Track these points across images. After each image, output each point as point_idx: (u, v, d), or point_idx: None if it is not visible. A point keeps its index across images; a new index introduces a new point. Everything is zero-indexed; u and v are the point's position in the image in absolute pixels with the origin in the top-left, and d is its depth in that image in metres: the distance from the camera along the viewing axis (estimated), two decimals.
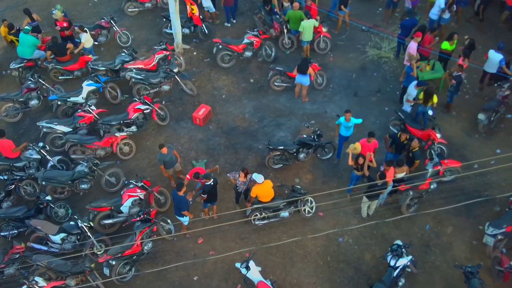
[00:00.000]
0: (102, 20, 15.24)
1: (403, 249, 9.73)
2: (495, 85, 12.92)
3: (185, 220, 10.72)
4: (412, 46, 12.92)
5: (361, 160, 10.89)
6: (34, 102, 13.37)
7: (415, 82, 12.25)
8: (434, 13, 14.47)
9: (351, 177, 11.32)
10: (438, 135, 11.52)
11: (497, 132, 12.68)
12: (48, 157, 11.80)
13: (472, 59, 13.02)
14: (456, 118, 13.11)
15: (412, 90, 12.21)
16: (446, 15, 14.30)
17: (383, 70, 14.60)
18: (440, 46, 13.27)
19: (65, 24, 14.58)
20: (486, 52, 13.11)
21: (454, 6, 14.28)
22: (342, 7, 15.31)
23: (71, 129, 12.44)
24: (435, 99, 11.93)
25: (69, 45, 14.21)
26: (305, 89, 13.68)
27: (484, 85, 13.53)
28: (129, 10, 16.51)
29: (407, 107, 12.60)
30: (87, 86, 13.12)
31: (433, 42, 13.35)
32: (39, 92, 13.36)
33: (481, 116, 12.29)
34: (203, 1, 15.66)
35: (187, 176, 11.31)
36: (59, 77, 14.21)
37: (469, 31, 14.93)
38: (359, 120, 11.67)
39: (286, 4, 15.33)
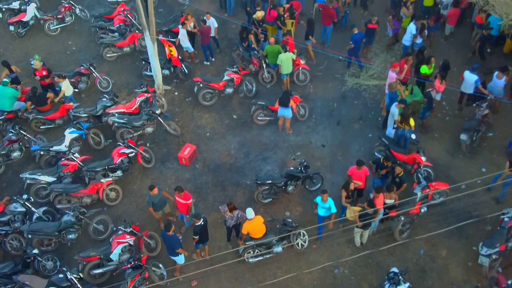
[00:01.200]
0: (81, 67, 15.25)
1: (400, 276, 9.65)
2: (474, 105, 13.18)
3: (180, 259, 10.52)
4: (391, 76, 13.15)
5: (352, 186, 10.90)
6: (16, 154, 13.17)
7: (396, 102, 12.45)
8: (406, 39, 14.85)
9: (342, 207, 11.30)
10: (423, 158, 11.65)
11: (480, 151, 12.87)
12: (33, 209, 11.56)
13: (449, 80, 13.30)
14: (438, 140, 13.28)
15: (395, 110, 12.41)
16: (418, 40, 14.68)
17: (363, 97, 14.81)
18: (419, 70, 13.55)
19: (44, 73, 14.54)
20: (461, 73, 13.42)
21: (426, 31, 14.67)
22: (310, 37, 15.60)
23: (55, 179, 12.25)
24: (411, 122, 12.11)
25: (49, 94, 14.14)
26: (288, 121, 13.77)
27: (462, 105, 13.80)
28: (107, 55, 16.56)
29: (391, 130, 12.75)
30: (70, 134, 13.01)
31: (409, 64, 13.57)
32: (20, 143, 13.19)
33: (463, 136, 12.47)
34: (182, 41, 15.79)
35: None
36: (41, 127, 14.06)
37: (442, 53, 15.31)
38: (334, 209, 10.92)
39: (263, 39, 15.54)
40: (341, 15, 16.80)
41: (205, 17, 15.82)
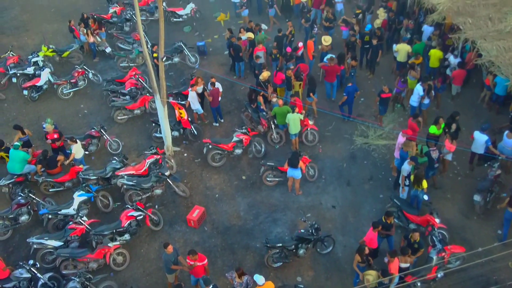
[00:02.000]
0: (92, 130, 15.44)
1: None
2: (485, 165, 13.05)
3: None
4: (400, 141, 13.14)
5: (366, 250, 10.60)
6: (24, 218, 13.05)
7: (408, 160, 12.37)
8: (414, 100, 14.96)
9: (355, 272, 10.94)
10: (437, 220, 11.38)
11: (494, 212, 12.57)
12: (38, 275, 11.29)
13: (459, 140, 13.25)
14: (451, 201, 13.05)
15: (406, 166, 12.29)
16: (426, 101, 14.79)
17: (372, 157, 14.75)
18: (428, 130, 13.56)
19: (55, 136, 14.70)
20: (471, 133, 13.40)
21: (433, 92, 14.81)
22: (311, 94, 15.85)
23: (62, 243, 12.05)
24: (424, 184, 11.96)
25: (60, 157, 14.24)
26: (297, 182, 13.67)
27: (474, 165, 13.67)
28: (118, 118, 16.82)
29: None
30: (79, 197, 12.94)
31: (420, 126, 13.60)
32: (29, 207, 13.11)
33: (476, 198, 12.26)
34: (191, 104, 16.05)
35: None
36: (50, 190, 14.05)
37: (449, 113, 15.32)
38: None
39: (274, 100, 15.73)
40: (347, 77, 17.07)
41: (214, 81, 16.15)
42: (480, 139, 12.84)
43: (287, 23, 18.95)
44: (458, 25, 15.00)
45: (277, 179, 14.16)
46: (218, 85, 16.27)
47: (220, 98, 16.51)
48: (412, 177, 12.07)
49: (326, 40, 17.63)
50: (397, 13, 18.99)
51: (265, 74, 16.11)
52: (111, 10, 22.17)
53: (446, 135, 13.04)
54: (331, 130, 16.00)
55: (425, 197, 12.00)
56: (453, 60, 15.82)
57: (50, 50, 19.23)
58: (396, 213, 12.21)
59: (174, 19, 22.25)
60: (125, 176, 13.63)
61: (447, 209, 12.75)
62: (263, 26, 19.24)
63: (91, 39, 19.71)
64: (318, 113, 16.12)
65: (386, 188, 13.67)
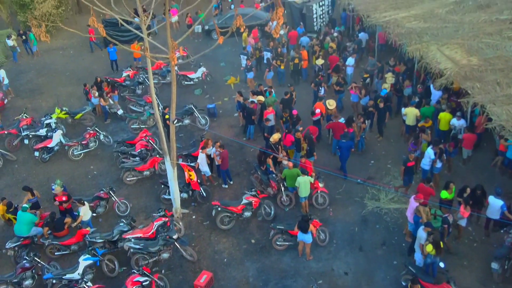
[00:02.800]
0: (101, 191, 15.40)
1: None
2: (501, 231, 12.70)
3: None
4: (413, 205, 12.93)
5: None
6: (28, 282, 12.71)
7: (422, 227, 12.05)
8: (425, 164, 14.85)
9: None
10: None
11: None
12: None
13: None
14: (468, 269, 12.58)
15: (422, 233, 11.94)
16: (438, 165, 14.67)
17: (385, 221, 14.45)
18: (440, 196, 13.35)
19: (64, 198, 14.66)
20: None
21: (444, 155, 14.72)
22: (314, 153, 16.09)
23: None
24: (429, 248, 11.59)
25: (67, 220, 14.11)
26: (308, 246, 13.32)
27: (489, 231, 13.31)
28: (127, 179, 16.81)
29: (419, 255, 12.17)
30: (84, 261, 12.67)
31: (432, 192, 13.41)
32: (33, 271, 12.83)
33: (494, 265, 11.82)
34: (200, 166, 16.04)
35: None
36: (55, 253, 13.81)
37: (461, 177, 15.22)
38: None
39: (284, 162, 15.71)
40: (357, 139, 17.08)
41: (220, 144, 16.21)
42: (495, 204, 12.57)
43: (289, 88, 19.26)
44: (467, 90, 15.12)
45: (287, 243, 13.83)
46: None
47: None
48: (430, 246, 11.65)
49: (331, 104, 17.85)
50: (404, 77, 19.36)
51: (275, 136, 16.20)
52: (125, 74, 22.82)
53: (461, 200, 12.78)
54: (341, 192, 15.81)
55: (441, 264, 11.59)
56: (457, 122, 15.83)
57: (63, 112, 19.63)
58: (412, 281, 11.75)
59: (186, 82, 22.77)
60: (132, 239, 13.40)
61: (464, 277, 12.26)
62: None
63: (103, 102, 20.12)
64: (328, 175, 16.00)
65: (400, 254, 13.25)
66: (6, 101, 21.90)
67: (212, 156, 16.26)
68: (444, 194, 13.20)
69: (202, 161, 16.00)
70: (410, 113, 16.74)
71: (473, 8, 20.04)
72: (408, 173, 14.74)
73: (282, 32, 23.51)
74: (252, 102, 18.40)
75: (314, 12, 25.12)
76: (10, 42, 25.75)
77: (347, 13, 25.89)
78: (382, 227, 14.30)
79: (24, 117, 19.53)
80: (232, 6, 29.94)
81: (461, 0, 20.81)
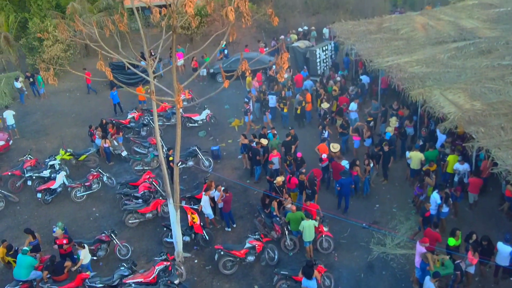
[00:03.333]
0: (103, 234, 15.20)
1: None
2: (511, 278, 12.37)
3: None
4: (419, 251, 12.69)
5: None
6: None
7: (429, 277, 11.73)
8: (432, 208, 14.64)
9: None
10: None
11: None
12: None
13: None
14: None
15: (430, 285, 11.60)
16: (445, 209, 14.47)
17: (391, 268, 14.11)
18: (447, 243, 13.10)
19: (64, 241, 14.46)
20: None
21: (450, 200, 14.55)
22: (316, 196, 16.05)
23: None
24: None
25: (67, 263, 13.85)
26: None
27: (498, 279, 12.95)
28: (129, 221, 16.62)
29: None
30: None
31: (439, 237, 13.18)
32: None
33: None
34: (203, 208, 15.90)
35: None
36: None
37: (467, 222, 14.99)
38: None
39: (288, 206, 15.55)
40: (362, 182, 16.97)
41: (223, 187, 16.11)
42: (504, 250, 12.28)
43: (289, 131, 19.33)
44: (471, 134, 15.12)
45: None
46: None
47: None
48: None
49: (335, 147, 17.85)
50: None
51: (279, 179, 16.11)
52: (130, 116, 23.02)
53: (470, 246, 12.52)
54: (346, 237, 15.54)
55: None
56: (460, 167, 15.73)
57: (67, 153, 19.68)
58: None
59: (190, 124, 22.92)
60: (133, 284, 13.11)
61: None
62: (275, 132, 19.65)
63: (106, 144, 20.19)
64: (333, 219, 15.79)
65: None
66: (11, 142, 22.01)
67: (216, 199, 16.14)
68: (452, 241, 12.95)
69: (205, 204, 15.87)
70: (415, 157, 16.69)
71: (474, 53, 20.38)
72: (426, 223, 14.35)
73: (286, 75, 23.85)
74: (257, 143, 18.42)
75: (318, 56, 25.57)
76: (18, 84, 26.18)
77: (349, 58, 26.33)
78: (388, 273, 13.96)
79: (28, 158, 19.57)
80: (226, 51, 30.39)
81: (462, 45, 21.20)
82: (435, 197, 14.41)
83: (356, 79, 24.31)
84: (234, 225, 16.45)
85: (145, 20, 33.57)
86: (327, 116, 20.61)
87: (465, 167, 15.64)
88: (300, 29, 31.60)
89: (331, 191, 17.49)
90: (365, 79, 23.53)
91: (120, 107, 24.87)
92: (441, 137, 17.35)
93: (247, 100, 22.21)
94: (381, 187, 17.65)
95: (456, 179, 15.78)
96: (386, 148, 17.16)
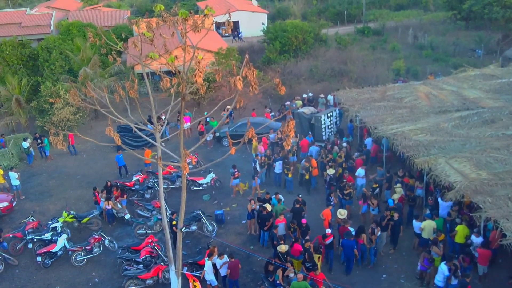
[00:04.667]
0: None
1: None
2: None
3: None
4: None
5: None
6: None
7: None
8: (439, 280, 14.23)
9: None
10: None
11: None
12: None
13: None
14: None
15: None
16: (454, 281, 14.01)
17: None
18: None
19: None
20: None
21: (459, 271, 14.14)
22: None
23: None
24: None
25: None
26: None
27: None
28: None
29: None
30: None
31: None
32: None
33: None
34: (206, 274, 15.50)
35: None
36: None
37: None
38: None
39: (291, 275, 15.16)
40: (368, 252, 16.61)
41: (225, 255, 15.82)
42: None
43: (297, 197, 19.16)
44: (478, 204, 14.96)
45: None
46: (224, 260, 15.82)
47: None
48: None
49: (342, 213, 17.63)
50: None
51: (283, 247, 15.83)
52: (134, 178, 23.03)
53: None
54: None
55: None
56: (475, 239, 15.44)
57: (70, 216, 19.52)
58: None
59: (194, 188, 22.85)
60: None
61: None
62: (281, 197, 19.51)
63: (109, 206, 20.06)
64: None
65: None
66: (15, 203, 21.92)
67: (218, 266, 15.78)
68: None
69: (208, 270, 15.49)
70: (428, 226, 16.34)
71: (478, 123, 20.58)
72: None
73: (292, 141, 24.04)
74: (264, 208, 18.25)
75: (323, 122, 25.91)
76: (26, 144, 26.47)
77: (353, 124, 26.65)
78: None
79: (30, 220, 19.41)
80: (224, 115, 30.65)
81: (466, 115, 21.45)
82: (443, 268, 14.04)
83: (361, 145, 24.45)
84: None
85: (154, 85, 34.44)
86: (333, 182, 20.54)
87: (479, 240, 15.30)
88: (304, 95, 32.25)
89: (337, 259, 17.09)
90: (368, 141, 23.63)
91: (126, 169, 24.95)
92: (443, 205, 17.17)
93: (255, 164, 22.29)
94: (388, 256, 17.25)
95: (474, 252, 15.40)
96: (396, 216, 16.93)
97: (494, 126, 20.06)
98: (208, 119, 28.62)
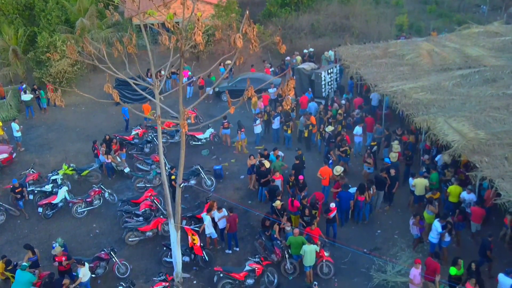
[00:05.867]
0: (102, 252, 15.13)
1: None
2: None
3: None
4: (414, 273, 12.63)
5: None
6: None
7: None
8: (433, 237, 14.54)
9: None
10: None
11: None
12: None
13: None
14: None
15: None
16: (447, 238, 14.36)
17: None
18: (449, 272, 12.98)
19: (64, 258, 14.38)
20: (492, 271, 12.80)
21: (453, 229, 14.45)
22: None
23: None
24: None
25: (65, 281, 13.77)
26: None
27: None
28: (129, 239, 16.55)
29: None
30: None
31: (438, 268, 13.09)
32: None
33: None
34: (206, 228, 15.83)
35: None
36: None
37: (469, 252, 14.86)
38: None
39: (288, 228, 15.52)
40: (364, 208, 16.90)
41: (224, 208, 16.14)
42: (505, 282, 12.17)
43: (297, 152, 19.33)
44: (475, 163, 15.09)
45: None
46: (222, 213, 16.17)
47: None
48: None
49: (338, 170, 17.77)
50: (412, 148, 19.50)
51: (278, 203, 16.06)
52: (134, 132, 23.07)
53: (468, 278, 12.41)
54: (347, 263, 15.43)
55: None
56: (467, 196, 15.65)
57: (70, 168, 19.69)
58: None
59: (193, 142, 22.92)
60: None
61: None
62: (280, 153, 19.63)
63: (109, 160, 20.21)
64: (333, 245, 15.68)
65: None
66: (15, 155, 22.04)
67: (216, 220, 16.09)
68: (453, 271, 12.84)
69: (208, 224, 15.82)
70: (420, 184, 16.63)
71: (479, 82, 20.46)
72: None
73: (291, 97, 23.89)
74: (260, 165, 18.40)
75: (323, 79, 25.68)
76: (27, 97, 26.31)
77: (354, 81, 26.46)
78: None
79: (31, 172, 19.59)
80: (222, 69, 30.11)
81: (467, 73, 21.28)
82: (436, 225, 14.33)
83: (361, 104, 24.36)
84: (237, 249, 16.30)
85: (152, 37, 33.86)
86: (332, 139, 20.61)
87: (471, 196, 15.54)
88: (305, 51, 31.80)
89: None
90: (374, 96, 23.52)
91: (127, 124, 24.82)
92: (440, 160, 17.42)
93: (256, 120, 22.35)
94: (383, 213, 17.57)
95: (467, 209, 15.65)
96: (392, 172, 17.12)
97: (495, 85, 19.94)
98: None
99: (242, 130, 21.90)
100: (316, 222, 15.76)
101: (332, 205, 15.84)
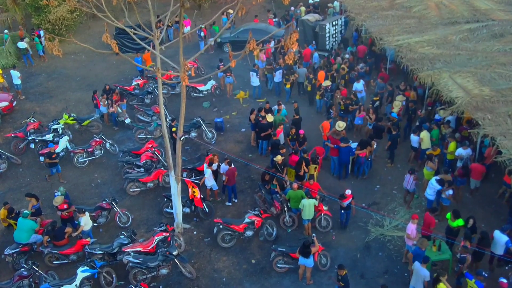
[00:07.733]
0: (104, 201, 15.31)
1: None
2: (506, 268, 12.47)
3: None
4: (411, 228, 12.81)
5: None
6: None
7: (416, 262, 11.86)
8: (430, 194, 14.60)
9: None
10: None
11: None
12: None
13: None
14: None
15: (426, 272, 11.70)
16: (450, 191, 14.34)
17: (388, 249, 14.25)
18: (447, 225, 13.17)
19: (65, 206, 14.58)
20: (489, 229, 12.95)
21: (453, 186, 14.50)
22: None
23: None
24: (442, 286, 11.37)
25: (68, 229, 14.02)
26: (309, 271, 13.14)
27: (494, 266, 13.06)
28: (131, 190, 16.72)
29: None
30: (82, 273, 12.55)
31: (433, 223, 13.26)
32: (31, 279, 12.71)
33: None
34: (206, 180, 15.95)
35: None
36: (54, 262, 13.70)
37: (468, 208, 15.02)
38: None
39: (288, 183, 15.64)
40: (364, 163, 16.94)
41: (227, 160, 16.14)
42: (500, 239, 12.34)
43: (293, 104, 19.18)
44: (477, 120, 14.97)
45: (287, 266, 13.66)
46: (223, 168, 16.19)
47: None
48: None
49: (340, 125, 17.65)
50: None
51: (279, 157, 16.10)
52: (134, 83, 22.81)
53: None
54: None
55: None
56: (463, 151, 15.60)
57: (71, 118, 19.62)
58: None
59: (194, 94, 22.71)
60: (132, 253, 13.29)
61: None
62: (282, 106, 19.47)
63: (112, 110, 20.11)
64: (332, 199, 15.85)
65: (402, 284, 13.03)
66: (15, 103, 21.90)
67: (222, 171, 16.17)
68: (456, 223, 12.99)
69: (209, 176, 15.92)
70: (426, 137, 16.65)
71: (487, 36, 19.96)
72: None
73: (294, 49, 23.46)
74: (262, 118, 18.29)
75: (327, 31, 25.11)
76: (24, 45, 25.84)
77: (359, 34, 25.87)
78: (384, 255, 14.11)
79: (31, 121, 19.54)
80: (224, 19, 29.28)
81: (475, 27, 20.74)
82: (433, 183, 14.38)
83: (365, 56, 23.94)
84: (236, 200, 16.50)
85: None
86: (333, 93, 20.39)
87: (468, 151, 15.53)
88: (310, 1, 30.94)
89: (328, 169, 17.49)
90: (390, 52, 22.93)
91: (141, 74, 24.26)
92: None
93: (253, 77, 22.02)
94: (382, 168, 17.64)
95: (459, 164, 15.68)
96: (394, 130, 17.05)
97: (502, 41, 19.46)
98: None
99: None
100: (316, 176, 15.86)
101: (348, 192, 14.70)
